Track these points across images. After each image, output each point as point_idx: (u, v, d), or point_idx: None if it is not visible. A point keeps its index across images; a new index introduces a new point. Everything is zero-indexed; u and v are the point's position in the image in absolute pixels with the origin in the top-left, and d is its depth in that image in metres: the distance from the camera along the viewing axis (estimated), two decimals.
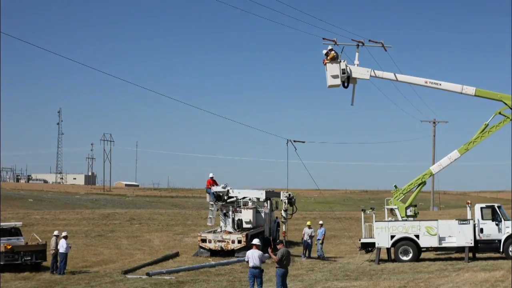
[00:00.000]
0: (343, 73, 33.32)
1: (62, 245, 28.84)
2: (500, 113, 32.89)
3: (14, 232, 31.11)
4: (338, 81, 33.48)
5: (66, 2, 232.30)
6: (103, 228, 51.70)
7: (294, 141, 34.61)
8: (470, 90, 33.09)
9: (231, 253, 35.61)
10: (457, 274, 26.05)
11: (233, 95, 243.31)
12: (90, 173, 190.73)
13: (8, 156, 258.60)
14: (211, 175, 37.96)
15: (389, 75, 33.96)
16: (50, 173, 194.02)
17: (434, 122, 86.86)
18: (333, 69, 33.38)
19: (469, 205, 32.97)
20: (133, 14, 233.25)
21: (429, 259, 32.68)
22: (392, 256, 32.62)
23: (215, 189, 37.28)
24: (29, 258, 29.74)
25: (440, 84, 33.44)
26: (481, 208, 32.20)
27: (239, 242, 35.57)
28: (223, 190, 37.13)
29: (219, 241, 35.92)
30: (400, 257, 31.96)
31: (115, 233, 49.04)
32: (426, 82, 33.55)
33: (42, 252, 30.36)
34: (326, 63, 33.44)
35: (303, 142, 35.36)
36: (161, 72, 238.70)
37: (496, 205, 32.67)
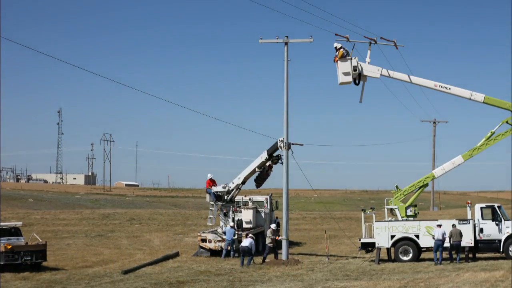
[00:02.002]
0: (354, 70, 33.24)
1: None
2: (507, 122, 32.74)
3: (14, 232, 31.11)
4: (349, 78, 33.38)
5: (65, 3, 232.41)
6: (103, 228, 51.72)
7: (292, 143, 34.61)
8: (479, 97, 32.78)
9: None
10: (457, 274, 26.03)
11: (233, 95, 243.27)
12: (90, 173, 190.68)
13: (8, 156, 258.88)
14: (209, 176, 37.89)
15: (402, 76, 33.57)
16: (50, 173, 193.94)
17: (435, 122, 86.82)
18: (344, 66, 33.31)
19: (469, 205, 32.97)
20: (132, 15, 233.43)
21: (429, 259, 32.67)
22: (392, 256, 32.61)
23: (215, 189, 37.31)
24: (29, 258, 29.73)
25: (449, 89, 33.16)
26: (481, 208, 32.20)
27: (239, 242, 35.55)
28: (223, 190, 37.15)
29: (219, 241, 35.93)
30: (400, 257, 31.96)
31: (115, 233, 49.06)
32: (436, 86, 33.31)
33: (42, 252, 30.36)
34: (337, 60, 33.36)
35: (301, 145, 35.36)
36: (161, 72, 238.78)
37: (496, 205, 32.67)
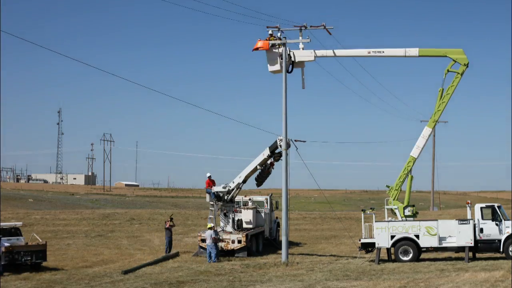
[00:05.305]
0: (289, 58, 33.77)
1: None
2: (449, 70, 32.82)
3: (14, 232, 31.14)
4: (277, 67, 33.93)
5: (65, 0, 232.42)
6: (103, 228, 51.72)
7: (295, 140, 34.58)
8: (413, 51, 33.29)
9: (231, 253, 35.62)
10: (457, 274, 26.05)
11: (232, 95, 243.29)
12: (90, 173, 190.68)
13: (8, 156, 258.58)
14: (208, 174, 37.71)
15: (330, 52, 34.19)
16: (50, 173, 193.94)
17: None
18: (271, 55, 33.93)
19: (469, 205, 32.96)
20: (131, 14, 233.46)
21: (429, 259, 32.68)
22: (392, 256, 32.62)
23: (215, 189, 37.27)
24: (29, 258, 29.74)
25: (383, 52, 33.71)
26: (481, 208, 32.19)
27: (239, 242, 35.57)
28: (223, 190, 37.12)
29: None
30: (400, 257, 31.96)
31: (115, 233, 49.07)
32: (369, 52, 33.83)
33: (42, 252, 30.36)
34: (254, 50, 33.87)
35: (304, 141, 35.32)
36: (160, 71, 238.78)
37: (496, 205, 32.65)
